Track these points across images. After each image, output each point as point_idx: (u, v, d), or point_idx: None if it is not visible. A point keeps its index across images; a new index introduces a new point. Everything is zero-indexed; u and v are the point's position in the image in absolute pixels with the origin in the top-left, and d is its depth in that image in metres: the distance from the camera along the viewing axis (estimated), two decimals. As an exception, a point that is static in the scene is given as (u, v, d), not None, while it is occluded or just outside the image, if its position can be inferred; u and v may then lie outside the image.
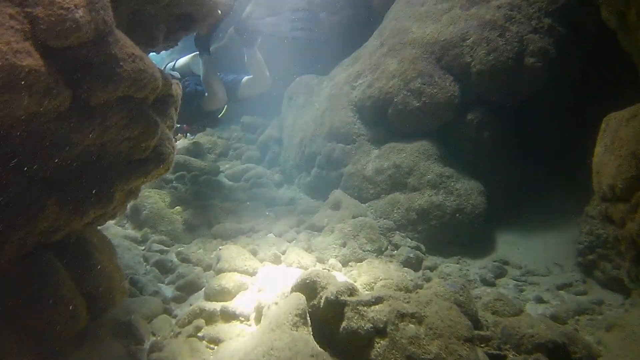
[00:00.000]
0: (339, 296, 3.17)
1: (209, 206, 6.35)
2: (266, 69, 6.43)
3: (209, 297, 4.29)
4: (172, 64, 6.83)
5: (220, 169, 7.31)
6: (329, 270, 4.70)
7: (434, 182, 5.41)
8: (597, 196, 3.90)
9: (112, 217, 3.31)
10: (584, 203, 5.68)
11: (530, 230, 5.81)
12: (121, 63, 2.55)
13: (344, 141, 6.03)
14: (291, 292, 3.43)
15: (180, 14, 4.19)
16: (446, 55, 5.55)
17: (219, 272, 4.63)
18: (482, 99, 5.59)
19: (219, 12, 4.52)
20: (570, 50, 5.48)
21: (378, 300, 3.17)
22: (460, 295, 3.71)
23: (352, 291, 3.26)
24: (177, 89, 3.59)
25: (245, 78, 6.53)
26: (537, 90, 5.50)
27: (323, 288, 3.31)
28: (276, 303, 3.37)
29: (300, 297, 3.27)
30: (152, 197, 6.14)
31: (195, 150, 7.44)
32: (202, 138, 7.98)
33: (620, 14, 3.29)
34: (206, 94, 6.16)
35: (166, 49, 4.82)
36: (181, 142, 7.72)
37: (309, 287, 3.35)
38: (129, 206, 6.08)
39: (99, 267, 3.34)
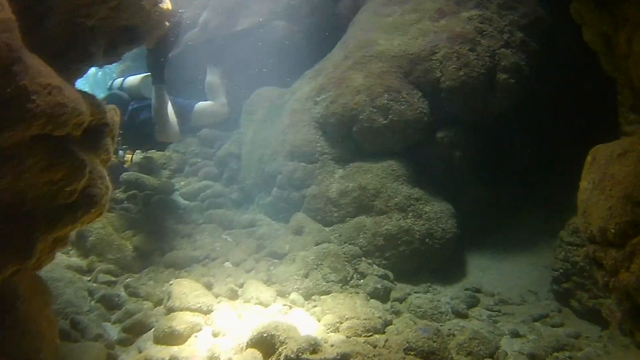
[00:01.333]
0: (300, 354, 2.79)
1: (162, 230, 5.89)
2: (224, 94, 5.94)
3: (158, 340, 3.86)
4: (120, 80, 6.31)
5: (175, 187, 6.83)
6: (289, 306, 4.33)
7: (402, 204, 5.08)
8: (583, 235, 3.66)
9: (37, 268, 2.85)
10: (558, 225, 5.46)
11: (503, 253, 5.57)
12: (33, 97, 2.10)
13: (307, 160, 5.64)
14: (247, 347, 3.04)
15: (122, 27, 3.74)
16: (415, 69, 5.23)
17: (170, 310, 4.20)
18: (452, 116, 5.30)
19: (167, 24, 4.06)
20: (544, 67, 5.24)
21: (344, 358, 2.80)
22: (434, 342, 3.38)
23: (314, 347, 2.88)
24: (114, 116, 3.14)
25: (198, 105, 6.01)
26: (510, 107, 5.24)
27: (282, 343, 2.93)
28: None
29: (257, 356, 2.88)
30: (99, 220, 5.63)
31: (148, 167, 6.93)
32: (156, 152, 7.48)
33: (605, 38, 3.00)
34: (156, 127, 5.68)
35: (109, 64, 4.36)
36: (133, 158, 7.21)
37: (266, 343, 2.97)
38: (74, 233, 5.61)
39: (23, 324, 2.88)
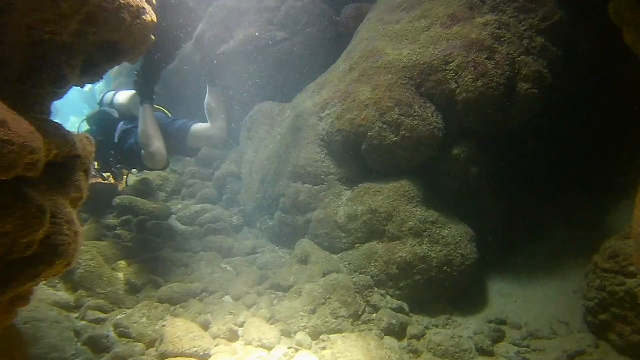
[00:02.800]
0: None
1: (157, 259, 5.46)
2: (223, 117, 5.49)
3: (148, 391, 3.41)
4: (111, 94, 5.90)
5: (172, 210, 6.40)
6: (295, 349, 3.88)
7: (417, 229, 4.63)
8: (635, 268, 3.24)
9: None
10: (585, 244, 5.02)
11: (526, 277, 5.11)
12: (-38, 136, 1.68)
13: (311, 181, 5.20)
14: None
15: (100, 43, 3.33)
16: (427, 81, 4.79)
17: (163, 356, 3.79)
18: (468, 130, 4.85)
19: (152, 37, 3.64)
20: (565, 73, 4.80)
21: None
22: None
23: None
24: (87, 146, 2.72)
25: (195, 126, 5.56)
26: (530, 118, 4.80)
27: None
28: None
29: None
30: (89, 251, 5.22)
31: (144, 189, 6.51)
32: (152, 173, 7.06)
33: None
34: (142, 152, 5.26)
35: (90, 83, 3.95)
36: (128, 180, 6.80)
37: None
38: None
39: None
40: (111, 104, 5.75)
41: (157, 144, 5.21)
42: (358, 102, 4.96)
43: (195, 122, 5.64)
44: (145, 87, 5.27)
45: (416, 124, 4.70)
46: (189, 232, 6.00)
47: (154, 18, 3.49)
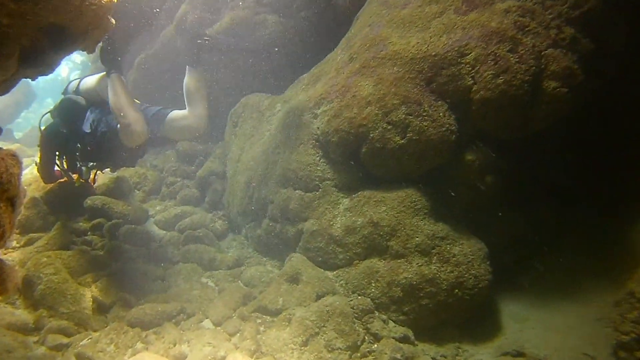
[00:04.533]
0: None
1: (130, 271, 4.86)
2: (203, 103, 4.81)
3: None
4: (76, 82, 5.21)
5: (149, 213, 5.78)
6: (284, 394, 3.30)
7: (425, 246, 4.05)
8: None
9: None
10: (608, 264, 4.47)
11: (542, 299, 4.55)
12: None
13: (304, 187, 4.58)
14: None
15: (44, 27, 2.69)
16: (439, 75, 4.16)
17: (127, 401, 3.18)
18: (483, 133, 4.24)
19: (112, 21, 2.98)
20: (597, 70, 4.18)
21: None
22: None
23: None
24: (12, 168, 2.09)
25: (172, 114, 4.88)
26: (556, 121, 4.19)
27: None
28: None
29: None
30: (52, 263, 4.61)
31: (118, 189, 5.87)
32: (128, 169, 6.41)
33: None
34: (118, 126, 4.59)
35: (42, 74, 3.30)
36: (97, 177, 6.15)
37: None
38: (20, 277, 4.62)
39: None
40: (77, 91, 5.08)
41: (133, 114, 4.54)
42: (359, 98, 4.32)
43: (172, 110, 4.99)
44: (112, 55, 4.61)
45: (426, 126, 4.08)
46: (167, 238, 5.38)
47: (113, -3, 2.84)
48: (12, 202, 2.03)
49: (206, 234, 5.28)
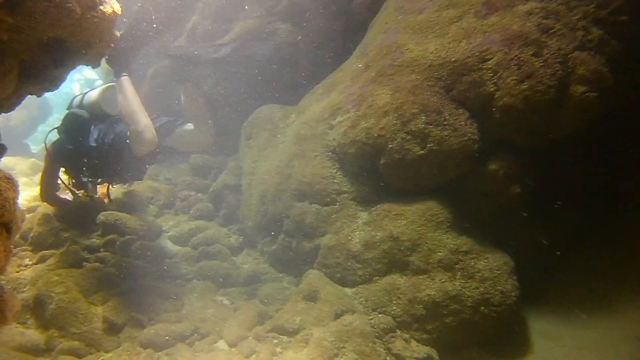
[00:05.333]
0: None
1: (143, 289, 4.72)
2: (207, 118, 4.71)
3: None
4: (80, 97, 5.13)
5: (163, 228, 5.65)
6: (302, 423, 3.13)
7: (448, 261, 3.86)
8: None
9: None
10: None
11: (572, 315, 4.30)
12: None
13: (320, 201, 4.42)
14: None
15: (45, 41, 2.57)
16: (459, 82, 3.98)
17: None
18: (506, 141, 4.05)
19: (117, 34, 2.86)
20: (626, 73, 3.97)
21: None
22: None
23: None
24: (7, 191, 1.95)
25: (181, 127, 4.81)
26: (583, 127, 3.98)
27: None
28: None
29: None
30: (63, 282, 4.50)
31: (131, 204, 5.75)
32: (142, 183, 6.30)
33: None
34: (128, 133, 4.47)
35: (47, 91, 3.19)
36: (111, 192, 6.05)
37: None
38: (31, 297, 4.53)
39: None
40: (81, 106, 4.99)
41: (145, 120, 4.42)
42: (376, 107, 4.16)
43: (180, 123, 4.90)
44: (121, 57, 4.50)
45: (446, 135, 3.90)
46: (180, 254, 5.24)
47: (117, 9, 2.71)
48: (7, 227, 1.90)
49: (220, 249, 5.13)
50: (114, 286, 4.70)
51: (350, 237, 4.21)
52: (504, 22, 3.93)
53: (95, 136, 4.69)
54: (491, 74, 3.85)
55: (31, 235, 5.28)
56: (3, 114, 3.01)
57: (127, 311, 4.45)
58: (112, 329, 4.31)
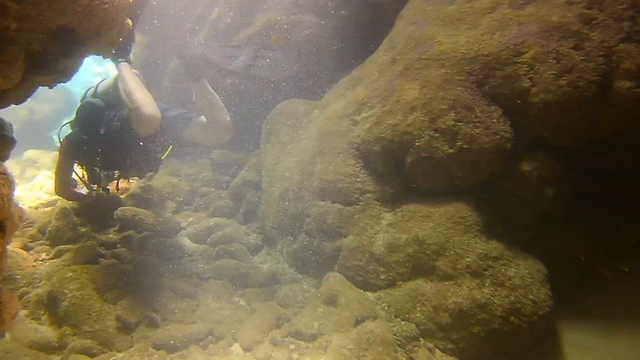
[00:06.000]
0: None
1: (157, 287, 4.59)
2: (224, 110, 4.57)
3: None
4: (93, 88, 5.04)
5: (181, 225, 5.52)
6: None
7: (476, 267, 3.62)
8: None
9: None
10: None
11: (609, 324, 4.04)
12: None
13: (343, 200, 4.22)
14: None
15: (53, 29, 2.43)
16: (492, 77, 3.74)
17: None
18: (542, 140, 3.79)
19: (128, 22, 2.71)
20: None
21: None
22: None
23: None
24: (2, 188, 1.81)
25: (197, 119, 4.70)
26: (626, 126, 3.71)
27: None
28: None
29: None
30: (78, 278, 4.40)
31: (148, 199, 5.64)
32: (161, 178, 6.19)
33: None
34: (129, 113, 4.34)
35: (59, 82, 3.06)
36: (131, 187, 5.95)
37: None
38: (44, 296, 4.45)
39: None
40: (95, 95, 4.89)
41: (142, 96, 4.26)
42: (403, 103, 3.94)
43: (197, 115, 4.78)
44: (121, 44, 4.40)
45: (477, 133, 3.67)
46: (198, 252, 5.10)
47: (128, -6, 2.56)
48: (1, 226, 1.76)
49: (239, 248, 4.97)
50: (129, 284, 4.59)
51: (373, 239, 4.01)
52: (541, 13, 3.68)
53: (104, 123, 4.59)
54: (527, 69, 3.60)
55: (49, 229, 5.21)
56: (19, 106, 2.89)
57: (141, 310, 4.32)
58: (125, 327, 4.18)
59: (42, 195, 6.69)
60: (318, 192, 4.36)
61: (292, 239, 4.75)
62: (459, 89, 3.79)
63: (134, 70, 4.54)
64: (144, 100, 4.27)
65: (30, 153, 9.31)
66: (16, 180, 7.55)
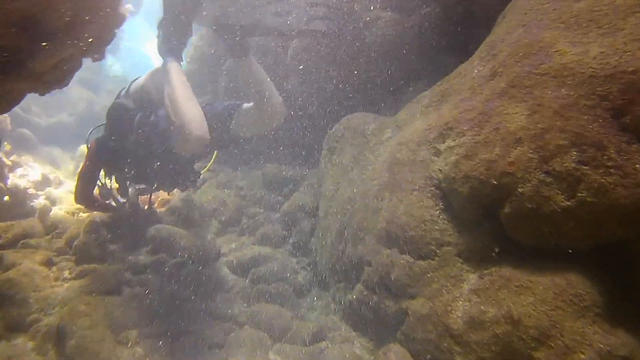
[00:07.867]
0: None
1: (184, 332, 3.87)
2: (274, 89, 3.86)
3: None
4: (125, 89, 4.41)
5: (222, 251, 4.77)
6: None
7: (596, 367, 2.59)
8: None
9: None
10: None
11: None
12: None
13: (414, 251, 3.29)
14: None
15: (19, 21, 1.68)
16: (636, 104, 2.68)
17: None
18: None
19: (122, 14, 1.91)
20: None
21: None
22: None
23: None
24: None
25: (244, 105, 3.99)
26: None
27: None
28: None
29: None
30: (89, 314, 3.76)
31: (189, 216, 4.93)
32: (208, 191, 5.48)
33: None
34: (172, 127, 3.62)
35: (55, 88, 2.34)
36: (172, 199, 5.28)
37: None
38: (54, 328, 3.86)
39: None
40: (127, 94, 4.25)
41: (190, 111, 3.56)
42: (504, 132, 2.95)
43: (240, 103, 4.08)
44: (170, 37, 3.69)
45: (610, 182, 2.63)
46: (237, 288, 4.34)
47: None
48: None
49: (283, 291, 4.17)
50: (152, 323, 3.90)
51: (450, 308, 3.05)
52: None
53: (135, 129, 3.92)
54: (693, 96, 2.52)
55: (75, 243, 4.62)
56: (78, 98, 2.17)
57: (161, 359, 3.61)
58: (138, 383, 3.48)
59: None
60: (383, 236, 3.44)
61: (347, 287, 3.86)
62: (587, 118, 2.75)
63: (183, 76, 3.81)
64: (192, 117, 3.56)
65: (84, 148, 8.94)
66: (66, 180, 7.03)
